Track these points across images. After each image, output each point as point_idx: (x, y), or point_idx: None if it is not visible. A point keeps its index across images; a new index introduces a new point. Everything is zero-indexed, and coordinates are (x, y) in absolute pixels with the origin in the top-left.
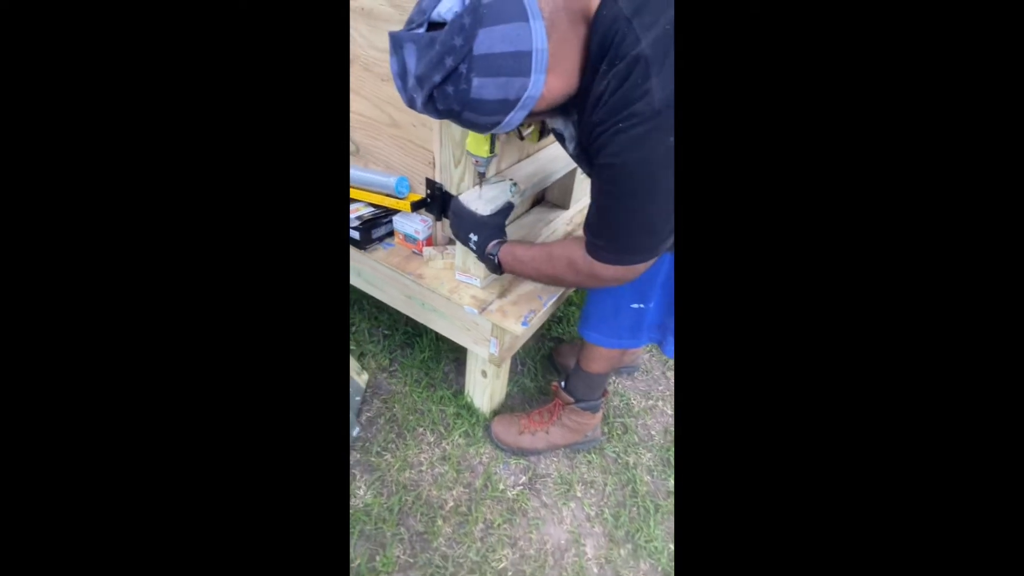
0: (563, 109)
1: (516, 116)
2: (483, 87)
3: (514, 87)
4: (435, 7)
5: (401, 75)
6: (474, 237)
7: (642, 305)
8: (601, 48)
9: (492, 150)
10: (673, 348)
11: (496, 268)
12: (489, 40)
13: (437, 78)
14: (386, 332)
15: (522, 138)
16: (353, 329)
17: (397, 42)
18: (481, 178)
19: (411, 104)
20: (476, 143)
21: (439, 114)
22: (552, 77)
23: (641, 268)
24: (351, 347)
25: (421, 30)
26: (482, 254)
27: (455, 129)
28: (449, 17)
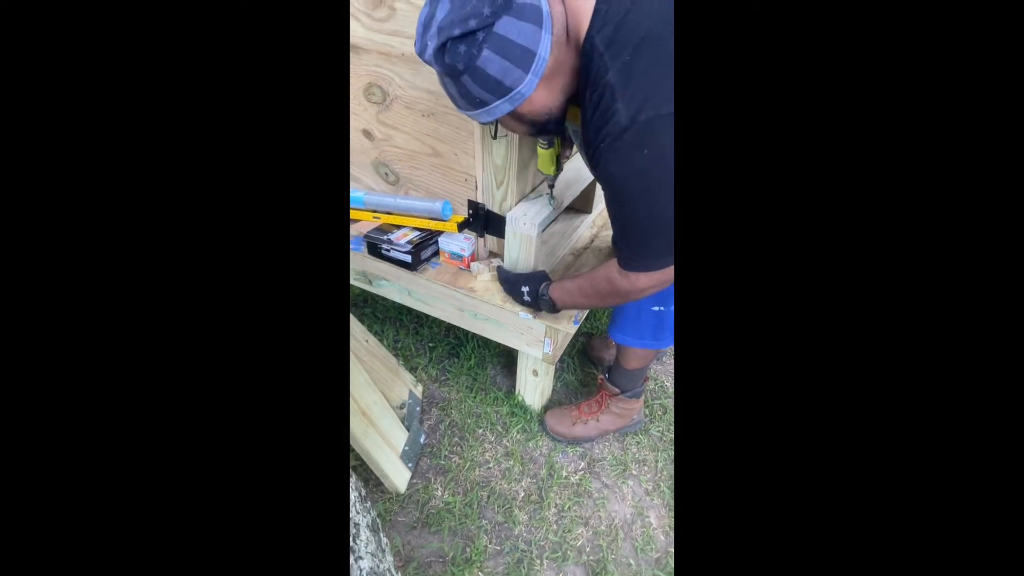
0: (556, 128)
1: (501, 107)
2: (490, 60)
3: (512, 76)
4: None
5: (426, 23)
6: (525, 289)
7: (662, 308)
8: (586, 78)
9: (558, 169)
10: None
11: (552, 307)
12: (508, 27)
13: (456, 32)
14: (430, 345)
15: (563, 153)
16: (399, 345)
17: None
18: (551, 190)
19: (421, 52)
20: (544, 163)
21: (443, 67)
22: (542, 87)
23: (673, 272)
24: (400, 363)
25: None
26: (536, 300)
27: (496, 155)
28: None
